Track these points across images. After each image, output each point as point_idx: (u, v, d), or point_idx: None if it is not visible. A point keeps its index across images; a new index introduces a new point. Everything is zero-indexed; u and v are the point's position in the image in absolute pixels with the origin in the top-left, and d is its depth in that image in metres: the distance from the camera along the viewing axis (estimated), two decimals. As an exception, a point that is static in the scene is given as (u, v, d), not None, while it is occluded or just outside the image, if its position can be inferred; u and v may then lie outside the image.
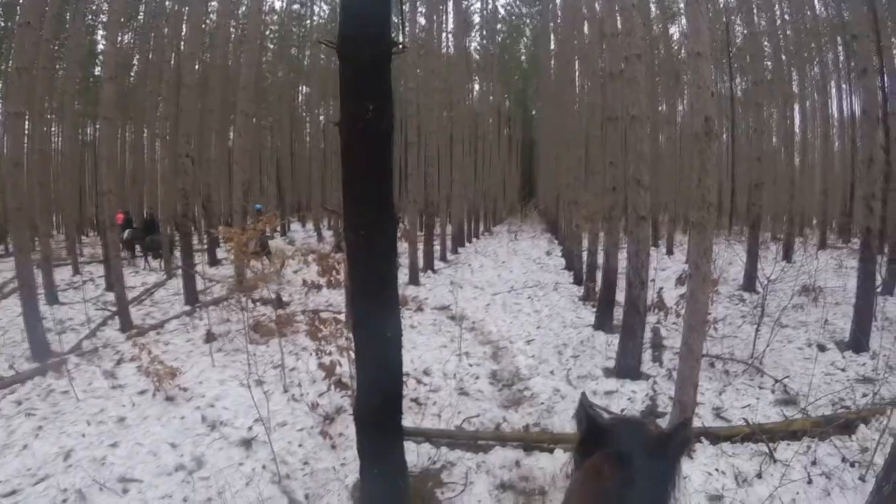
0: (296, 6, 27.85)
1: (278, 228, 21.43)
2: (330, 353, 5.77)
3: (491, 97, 32.05)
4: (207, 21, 17.52)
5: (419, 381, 6.23)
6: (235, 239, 7.34)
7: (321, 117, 29.44)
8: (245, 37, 18.97)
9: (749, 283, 12.28)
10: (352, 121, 3.21)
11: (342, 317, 8.68)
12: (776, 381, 6.67)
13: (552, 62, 24.16)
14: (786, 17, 20.89)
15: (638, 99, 7.11)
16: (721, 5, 20.88)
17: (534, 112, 36.51)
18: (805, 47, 22.22)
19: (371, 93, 3.18)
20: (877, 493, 2.28)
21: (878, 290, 9.09)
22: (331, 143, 25.39)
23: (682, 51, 21.76)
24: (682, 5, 22.37)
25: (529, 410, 5.95)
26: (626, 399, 6.21)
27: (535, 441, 5.00)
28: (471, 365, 7.41)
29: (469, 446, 4.92)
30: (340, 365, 5.55)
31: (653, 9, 20.12)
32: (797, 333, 8.59)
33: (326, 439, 5.05)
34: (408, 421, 4.61)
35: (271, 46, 26.76)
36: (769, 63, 19.32)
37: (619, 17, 8.38)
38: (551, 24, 24.33)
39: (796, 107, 24.47)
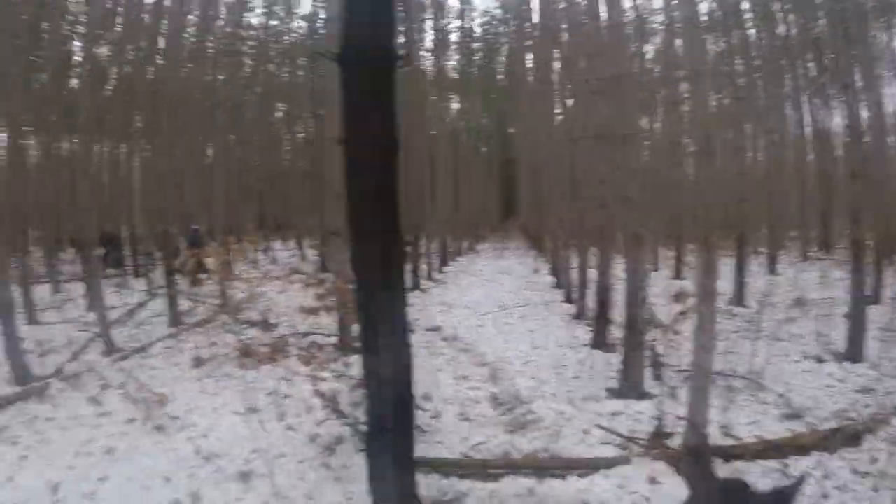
0: (273, 22, 27.66)
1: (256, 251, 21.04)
2: (325, 379, 5.55)
3: (468, 116, 32.15)
4: (184, 35, 17.21)
5: (419, 407, 6.00)
6: (221, 259, 7.12)
7: (300, 135, 29.14)
8: (223, 52, 18.78)
9: (738, 297, 12.27)
10: (356, 136, 3.08)
11: (333, 339, 8.48)
12: (779, 395, 6.62)
13: (529, 80, 24.27)
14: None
15: (630, 117, 7.06)
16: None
17: (512, 130, 36.58)
18: (776, 62, 22.53)
19: (376, 106, 3.07)
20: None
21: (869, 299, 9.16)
22: (313, 161, 25.12)
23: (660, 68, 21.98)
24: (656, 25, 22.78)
25: (536, 435, 5.73)
26: (632, 419, 6.06)
27: (546, 467, 4.83)
28: (470, 389, 7.19)
29: (479, 475, 4.72)
30: (339, 393, 5.31)
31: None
32: (793, 346, 8.59)
33: (329, 471, 4.80)
34: (412, 450, 4.40)
35: (249, 62, 26.49)
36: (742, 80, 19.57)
37: (605, 34, 8.40)
38: (527, 43, 24.50)
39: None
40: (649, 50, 23.03)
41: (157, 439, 5.52)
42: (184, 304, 11.53)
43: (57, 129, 18.82)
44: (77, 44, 19.79)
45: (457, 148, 28.68)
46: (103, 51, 16.58)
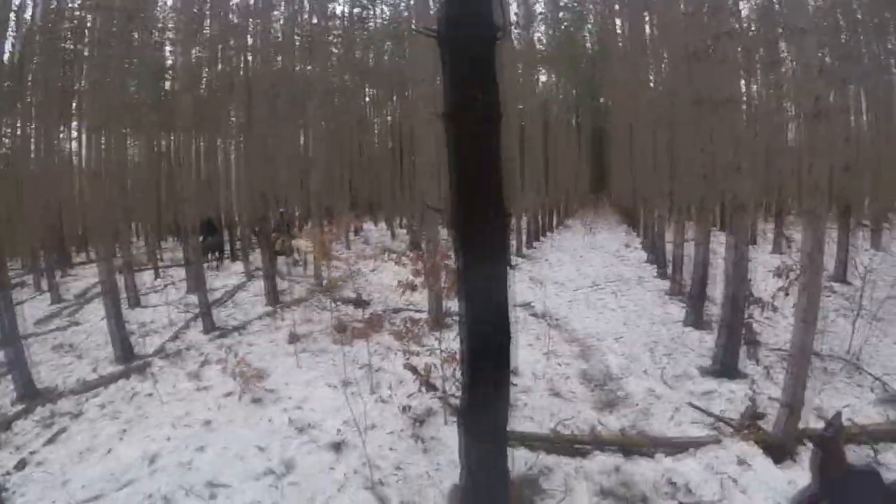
0: (357, 9, 28.06)
1: (353, 229, 21.66)
2: (417, 354, 5.67)
3: (558, 87, 31.38)
4: (273, 29, 17.83)
5: (511, 382, 6.05)
6: (317, 240, 7.35)
7: (389, 118, 29.47)
8: (311, 43, 19.28)
9: (841, 273, 11.53)
10: (460, 111, 3.11)
11: (424, 315, 8.63)
12: (876, 378, 6.21)
13: (620, 46, 23.48)
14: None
15: (730, 80, 6.69)
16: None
17: (602, 100, 35.37)
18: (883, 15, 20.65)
19: (479, 80, 3.09)
20: None
21: None
22: (400, 141, 25.48)
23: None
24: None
25: (625, 412, 5.69)
26: (725, 399, 5.88)
27: (634, 445, 4.79)
28: (559, 364, 7.17)
29: (566, 451, 4.74)
30: (434, 367, 5.40)
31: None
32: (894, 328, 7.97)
33: (418, 443, 4.97)
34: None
35: (335, 51, 27.02)
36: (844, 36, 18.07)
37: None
38: (616, 7, 23.62)
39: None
40: (745, 7, 21.74)
41: (254, 411, 5.85)
42: (282, 284, 12.04)
43: (156, 128, 20.22)
44: (169, 48, 21.20)
45: (547, 121, 28.14)
46: (196, 51, 17.42)
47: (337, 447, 4.95)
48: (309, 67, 18.80)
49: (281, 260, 13.63)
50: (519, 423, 5.32)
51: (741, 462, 4.42)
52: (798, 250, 6.47)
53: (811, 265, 4.76)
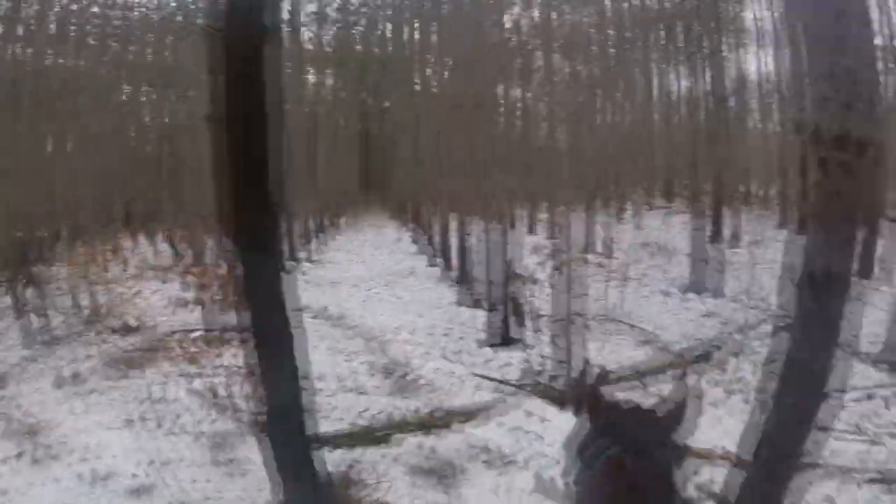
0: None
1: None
2: (202, 375, 5.49)
3: (338, 90, 31.38)
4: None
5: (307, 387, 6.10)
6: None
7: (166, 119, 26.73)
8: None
9: (591, 245, 13.39)
10: (233, 114, 3.06)
11: (201, 333, 8.26)
12: (632, 326, 7.52)
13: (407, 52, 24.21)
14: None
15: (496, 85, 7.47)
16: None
17: (387, 104, 35.95)
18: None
19: (255, 83, 3.05)
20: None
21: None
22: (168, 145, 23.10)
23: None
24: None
25: (417, 394, 6.09)
26: (507, 365, 6.63)
27: (433, 421, 5.18)
28: (347, 360, 7.28)
29: (371, 441, 4.94)
30: (223, 385, 5.27)
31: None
32: (643, 284, 9.85)
33: (224, 468, 4.75)
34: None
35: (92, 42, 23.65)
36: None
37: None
38: (406, 16, 24.29)
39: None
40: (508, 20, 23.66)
41: (36, 475, 5.06)
42: (39, 319, 10.59)
43: None
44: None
45: (322, 122, 27.84)
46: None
47: (137, 493, 4.46)
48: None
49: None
50: (320, 424, 5.43)
51: (531, 415, 5.05)
52: (562, 233, 7.45)
53: (566, 241, 5.60)
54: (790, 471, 2.64)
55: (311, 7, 23.21)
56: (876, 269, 9.61)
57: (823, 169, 2.39)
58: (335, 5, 29.08)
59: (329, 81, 32.49)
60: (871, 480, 4.06)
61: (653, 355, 6.47)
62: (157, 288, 11.91)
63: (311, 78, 30.90)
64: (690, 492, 4.06)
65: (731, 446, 4.36)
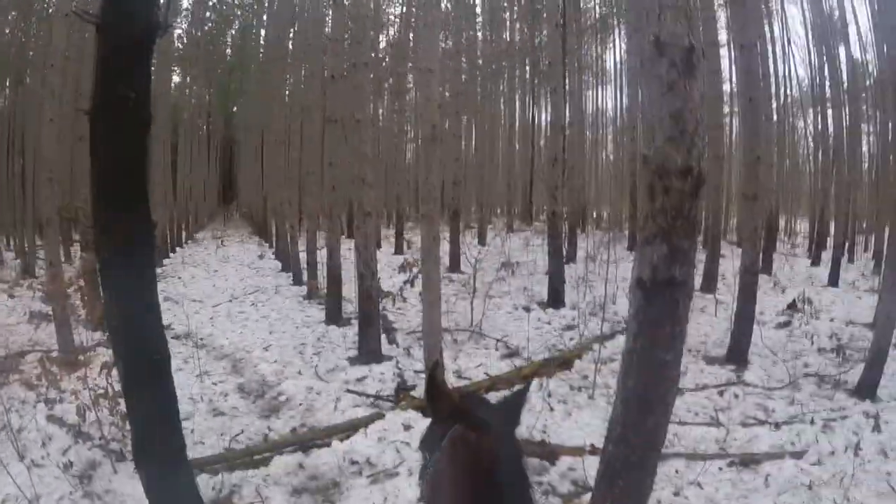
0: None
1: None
2: (60, 400, 5.07)
3: (192, 89, 29.63)
4: None
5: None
6: None
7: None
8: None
9: (454, 264, 14.05)
10: (109, 108, 2.89)
11: (56, 353, 7.54)
12: (497, 340, 7.91)
13: (261, 57, 23.51)
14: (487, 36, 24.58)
15: (362, 103, 7.61)
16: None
17: (235, 109, 34.41)
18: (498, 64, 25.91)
19: (134, 77, 2.90)
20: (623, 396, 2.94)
21: (564, 258, 11.48)
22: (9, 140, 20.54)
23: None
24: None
25: (291, 413, 5.99)
26: (377, 381, 6.71)
27: (309, 440, 5.13)
28: (215, 384, 6.96)
29: (247, 464, 4.77)
30: (86, 410, 4.88)
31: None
32: (504, 301, 10.16)
33: (94, 501, 4.41)
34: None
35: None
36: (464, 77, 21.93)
37: (349, 24, 8.87)
38: (264, 18, 23.63)
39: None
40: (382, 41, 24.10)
41: None
42: None
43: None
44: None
45: (176, 126, 26.17)
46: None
47: None
48: None
49: None
50: (192, 449, 5.12)
51: (407, 427, 5.16)
52: (417, 251, 7.70)
53: (429, 256, 5.83)
54: (651, 459, 2.92)
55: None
56: (718, 284, 10.92)
57: (651, 192, 2.71)
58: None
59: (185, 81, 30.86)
60: (731, 463, 4.65)
61: (518, 365, 6.90)
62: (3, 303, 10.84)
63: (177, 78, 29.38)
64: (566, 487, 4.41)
65: (583, 439, 4.95)
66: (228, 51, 32.15)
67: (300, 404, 6.18)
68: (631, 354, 2.81)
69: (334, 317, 9.50)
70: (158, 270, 16.79)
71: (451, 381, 6.23)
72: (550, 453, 4.78)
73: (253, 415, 6.05)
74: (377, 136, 22.12)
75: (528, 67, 27.03)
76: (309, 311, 10.60)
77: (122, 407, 3.41)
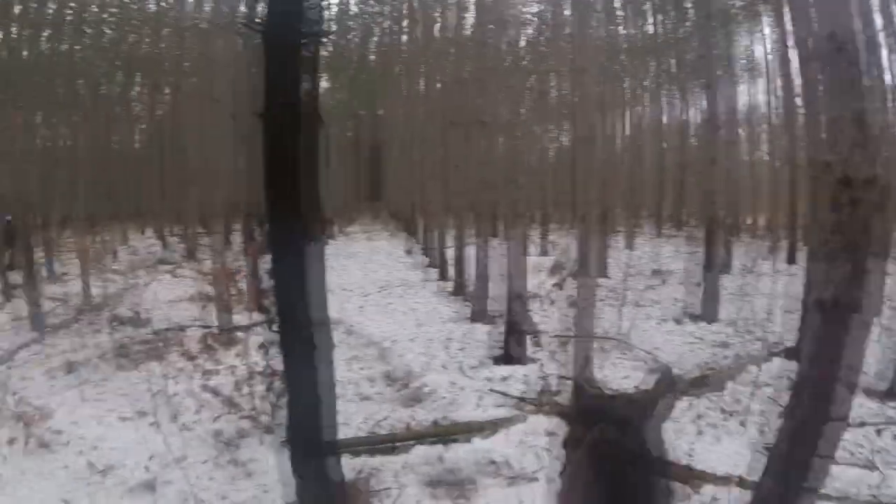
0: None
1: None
2: (213, 372, 5.43)
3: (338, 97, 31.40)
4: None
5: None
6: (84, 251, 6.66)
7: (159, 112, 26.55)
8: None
9: (601, 269, 13.42)
10: (283, 111, 3.07)
11: (213, 330, 8.24)
12: (646, 353, 7.46)
13: (402, 60, 24.32)
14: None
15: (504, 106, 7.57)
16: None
17: (381, 112, 35.92)
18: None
19: (302, 81, 3.10)
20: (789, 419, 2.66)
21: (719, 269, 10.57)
22: (169, 140, 23.02)
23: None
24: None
25: (433, 405, 6.05)
26: (521, 382, 6.58)
27: (450, 434, 5.15)
28: (362, 369, 7.31)
29: (388, 450, 4.90)
30: (240, 384, 5.23)
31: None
32: (653, 311, 9.67)
33: (238, 468, 4.68)
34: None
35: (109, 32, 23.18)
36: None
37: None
38: (405, 24, 24.48)
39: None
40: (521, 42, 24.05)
41: (45, 458, 4.95)
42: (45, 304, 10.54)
43: None
44: None
45: (325, 129, 27.79)
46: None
47: (150, 486, 4.37)
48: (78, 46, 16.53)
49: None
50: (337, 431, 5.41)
51: (550, 433, 5.02)
52: (562, 252, 7.52)
53: (586, 263, 5.63)
54: (794, 496, 2.63)
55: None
56: (885, 307, 9.67)
57: (833, 204, 2.44)
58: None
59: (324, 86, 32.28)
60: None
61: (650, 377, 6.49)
62: (166, 283, 11.92)
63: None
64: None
65: (731, 468, 4.44)
66: (372, 57, 33.27)
67: (443, 398, 6.23)
68: (802, 384, 2.56)
69: (480, 314, 9.55)
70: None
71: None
72: (695, 480, 4.44)
73: (396, 402, 6.21)
74: (521, 138, 22.00)
75: (672, 61, 25.31)
76: (455, 307, 10.74)
77: (278, 384, 3.56)
